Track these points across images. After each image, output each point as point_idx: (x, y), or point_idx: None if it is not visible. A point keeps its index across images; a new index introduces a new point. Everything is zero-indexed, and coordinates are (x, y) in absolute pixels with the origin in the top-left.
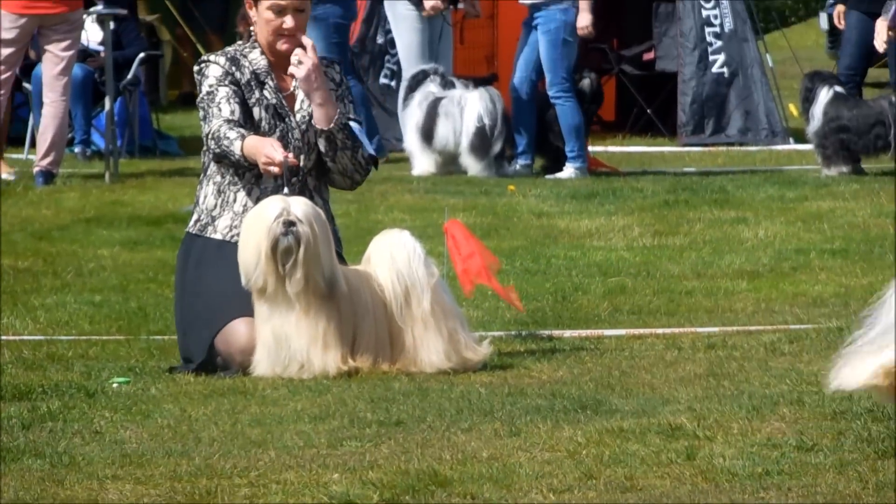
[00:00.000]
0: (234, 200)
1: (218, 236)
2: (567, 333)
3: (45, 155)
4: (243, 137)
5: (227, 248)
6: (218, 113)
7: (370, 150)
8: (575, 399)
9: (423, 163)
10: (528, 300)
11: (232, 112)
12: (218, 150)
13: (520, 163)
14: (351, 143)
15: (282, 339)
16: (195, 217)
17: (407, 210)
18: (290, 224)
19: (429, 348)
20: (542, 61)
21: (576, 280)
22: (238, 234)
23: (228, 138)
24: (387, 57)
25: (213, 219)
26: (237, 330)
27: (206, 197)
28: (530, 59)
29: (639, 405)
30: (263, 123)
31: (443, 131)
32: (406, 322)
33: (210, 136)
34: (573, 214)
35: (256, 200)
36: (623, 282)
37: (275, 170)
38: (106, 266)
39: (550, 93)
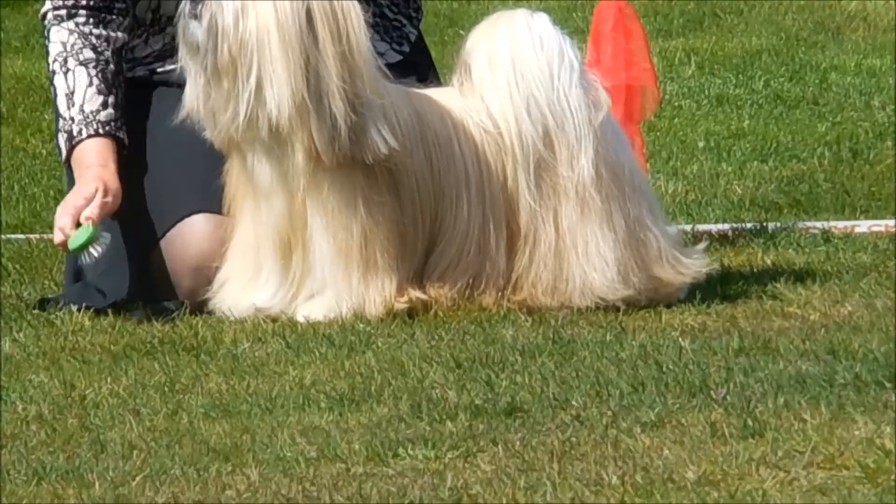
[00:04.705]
0: None
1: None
2: (862, 225)
3: None
4: (70, 138)
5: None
6: None
7: None
8: (868, 363)
9: None
10: (777, 160)
11: None
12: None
13: None
14: None
15: (275, 242)
16: None
17: None
18: None
19: (587, 257)
20: None
21: (881, 118)
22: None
23: (59, 111)
24: None
25: None
26: (191, 229)
27: None
28: None
29: None
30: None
31: None
32: (543, 200)
33: (50, 51)
34: None
35: None
36: None
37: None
38: None
39: None
